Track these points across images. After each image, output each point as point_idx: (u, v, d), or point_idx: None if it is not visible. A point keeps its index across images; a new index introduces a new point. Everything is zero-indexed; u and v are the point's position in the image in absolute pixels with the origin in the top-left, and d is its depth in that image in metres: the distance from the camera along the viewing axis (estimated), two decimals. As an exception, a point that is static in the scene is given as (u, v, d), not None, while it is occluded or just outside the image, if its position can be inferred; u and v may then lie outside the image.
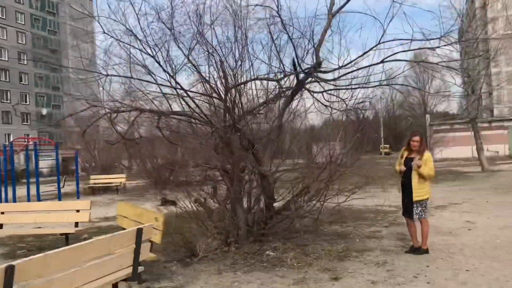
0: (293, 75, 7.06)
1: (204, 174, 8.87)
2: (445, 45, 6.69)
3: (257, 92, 8.20)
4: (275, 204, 8.07)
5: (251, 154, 6.94)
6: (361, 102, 7.37)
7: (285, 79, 7.53)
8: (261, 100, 8.15)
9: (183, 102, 7.79)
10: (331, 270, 6.01)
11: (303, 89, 7.15)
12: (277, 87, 7.55)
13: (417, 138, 6.84)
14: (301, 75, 6.90)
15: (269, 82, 7.49)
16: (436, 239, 7.86)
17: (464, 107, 39.60)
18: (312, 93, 7.28)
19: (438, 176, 22.84)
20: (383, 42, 6.48)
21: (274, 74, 7.53)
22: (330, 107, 8.02)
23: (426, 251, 6.78)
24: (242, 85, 7.46)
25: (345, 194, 8.09)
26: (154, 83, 7.80)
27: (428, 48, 6.56)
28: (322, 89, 7.16)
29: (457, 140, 41.53)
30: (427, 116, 47.13)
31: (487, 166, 24.80)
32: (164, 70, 7.44)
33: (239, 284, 5.64)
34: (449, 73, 25.19)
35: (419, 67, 57.41)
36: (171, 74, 7.12)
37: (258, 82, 8.01)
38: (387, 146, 61.32)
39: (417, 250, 6.81)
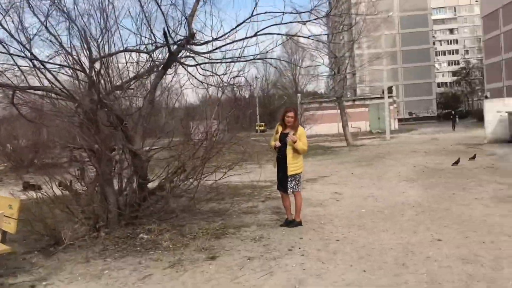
0: (165, 48, 6.65)
1: (69, 155, 8.12)
2: (315, 19, 6.82)
3: (127, 66, 7.62)
4: (150, 185, 7.68)
5: (120, 131, 6.43)
6: (236, 76, 7.24)
7: (157, 51, 7.09)
8: (132, 75, 7.61)
9: (41, 76, 6.94)
10: (208, 249, 5.86)
11: (176, 62, 6.79)
12: (149, 60, 7.08)
13: (291, 113, 6.92)
14: (174, 48, 6.53)
15: (140, 54, 7.00)
16: (308, 211, 8.15)
17: (331, 87, 42.20)
18: (185, 67, 6.95)
19: (308, 151, 24.16)
20: (256, 15, 6.39)
21: (144, 46, 7.04)
22: (205, 82, 7.79)
23: (300, 223, 6.98)
24: (109, 58, 6.85)
25: (222, 171, 8.01)
26: (6, 53, 6.82)
27: (299, 22, 6.61)
28: (196, 63, 6.85)
29: (325, 118, 44.21)
30: (298, 95, 49.45)
31: (351, 141, 26.78)
32: (16, 40, 6.52)
33: (109, 272, 5.22)
34: (317, 53, 26.63)
35: (291, 48, 59.35)
36: (24, 44, 6.25)
37: (128, 55, 7.45)
38: (262, 124, 63.21)
39: (291, 223, 6.98)
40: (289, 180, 6.88)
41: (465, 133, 33.02)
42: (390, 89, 41.16)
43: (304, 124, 45.12)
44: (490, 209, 7.70)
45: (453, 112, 40.02)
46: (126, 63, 7.53)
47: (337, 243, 5.93)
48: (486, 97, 37.02)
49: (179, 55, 6.63)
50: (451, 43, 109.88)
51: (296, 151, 6.86)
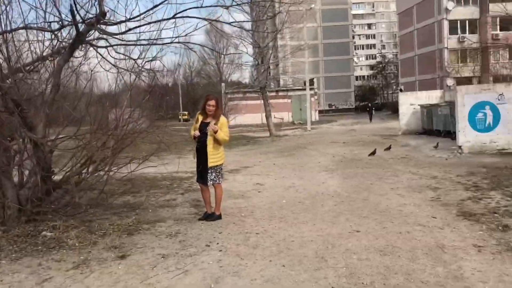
0: (73, 27, 6.02)
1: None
2: (237, 4, 6.51)
3: (29, 45, 6.85)
4: (57, 178, 7.02)
5: (18, 118, 5.74)
6: (151, 60, 6.75)
7: (65, 31, 6.43)
8: (35, 56, 6.87)
9: None
10: (118, 247, 5.39)
11: (85, 43, 6.18)
12: (54, 40, 6.40)
13: (212, 102, 6.58)
14: (82, 27, 5.92)
15: (44, 33, 6.29)
16: (229, 203, 7.90)
17: (254, 77, 42.30)
18: (95, 48, 6.35)
19: (232, 142, 24.01)
20: (174, -4, 5.95)
21: (48, 25, 6.34)
22: (118, 66, 7.21)
23: (219, 217, 6.70)
24: (7, 35, 6.10)
25: (137, 162, 7.52)
26: None
27: (220, 6, 6.27)
28: (108, 45, 6.28)
29: (249, 108, 44.33)
30: (222, 84, 49.04)
31: (274, 131, 26.97)
32: None
33: (1, 276, 4.61)
34: (241, 42, 26.42)
35: (215, 36, 58.62)
36: None
37: (30, 33, 6.69)
38: (186, 113, 62.11)
39: (211, 216, 6.67)
40: (209, 172, 6.56)
41: (381, 124, 34.54)
42: (311, 81, 42.06)
43: (228, 114, 45.04)
44: (405, 198, 7.89)
45: (370, 104, 41.80)
46: (29, 42, 6.77)
47: (257, 237, 5.72)
48: (401, 90, 38.92)
49: (89, 36, 6.03)
50: (369, 38, 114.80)
51: (217, 141, 6.55)
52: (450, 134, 17.85)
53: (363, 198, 8.07)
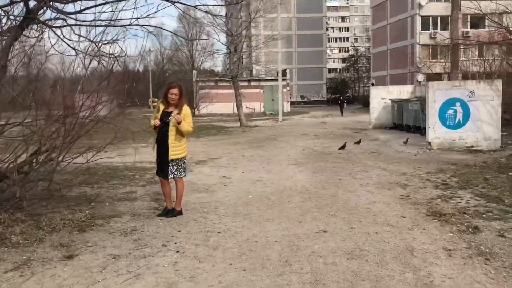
0: (21, 3, 5.48)
1: None
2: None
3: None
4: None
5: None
6: (111, 42, 6.26)
7: (17, 8, 5.88)
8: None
9: None
10: (66, 245, 4.96)
11: (37, 22, 5.65)
12: (3, 18, 5.84)
13: (175, 90, 6.17)
14: (32, 3, 5.40)
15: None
16: (192, 197, 7.53)
17: (227, 66, 41.73)
18: (50, 28, 5.83)
19: (201, 131, 23.56)
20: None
21: (-4, 0, 5.78)
22: (75, 48, 6.67)
23: (180, 213, 6.32)
24: None
25: (95, 151, 7.04)
26: None
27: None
28: (62, 25, 5.76)
29: (220, 97, 43.73)
30: (194, 72, 48.24)
31: (245, 122, 26.61)
32: None
33: None
34: (213, 30, 25.82)
35: (188, 23, 57.50)
36: None
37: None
38: (156, 100, 60.88)
39: (171, 212, 6.29)
40: (170, 165, 6.15)
41: (351, 118, 34.59)
42: (284, 72, 41.78)
43: (199, 102, 44.37)
44: (374, 196, 7.68)
45: (341, 97, 41.84)
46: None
47: (219, 236, 5.37)
48: (373, 84, 39.05)
49: (43, 15, 5.51)
50: (342, 31, 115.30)
51: (179, 132, 6.15)
52: (420, 130, 17.88)
53: (332, 194, 7.82)
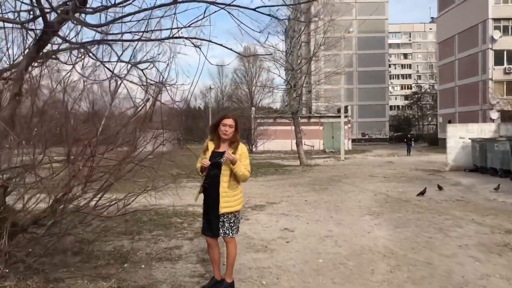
0: (39, 15, 4.37)
1: None
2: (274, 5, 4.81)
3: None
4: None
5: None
6: (147, 61, 5.02)
7: (38, 23, 4.80)
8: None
9: None
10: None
11: (57, 36, 4.53)
12: (24, 34, 4.76)
13: (230, 121, 4.79)
14: (53, 15, 4.28)
15: (5, 25, 4.66)
16: (247, 258, 6.01)
17: (286, 102, 40.68)
18: (76, 47, 4.69)
19: (259, 169, 22.20)
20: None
21: (17, 15, 4.73)
22: (117, 75, 5.53)
23: (231, 286, 4.80)
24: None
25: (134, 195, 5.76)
26: None
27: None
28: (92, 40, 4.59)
29: (278, 133, 42.61)
30: (253, 108, 47.60)
31: (305, 160, 25.01)
32: None
33: None
34: (274, 64, 24.84)
35: (248, 61, 57.77)
36: None
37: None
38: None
39: (220, 284, 4.79)
40: (221, 220, 4.72)
41: (420, 157, 32.07)
42: (345, 109, 40.08)
43: (257, 139, 43.40)
44: (483, 265, 5.84)
45: (408, 136, 39.19)
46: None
47: (283, 331, 3.80)
48: (449, 122, 36.37)
49: (61, 26, 4.36)
50: (404, 68, 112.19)
51: (234, 178, 4.73)
52: (510, 174, 15.51)
53: (426, 260, 6.05)
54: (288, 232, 7.74)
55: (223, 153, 4.71)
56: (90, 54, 5.25)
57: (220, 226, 4.72)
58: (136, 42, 4.42)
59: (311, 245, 6.87)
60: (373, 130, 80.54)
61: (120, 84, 5.77)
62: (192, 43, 4.21)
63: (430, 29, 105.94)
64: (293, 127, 26.30)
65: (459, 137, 19.67)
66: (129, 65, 4.87)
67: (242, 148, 4.85)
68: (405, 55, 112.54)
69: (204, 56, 4.73)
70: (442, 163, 22.63)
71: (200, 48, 4.22)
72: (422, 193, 12.36)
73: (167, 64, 5.59)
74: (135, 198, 5.58)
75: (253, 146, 43.38)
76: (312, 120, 44.89)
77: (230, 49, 4.37)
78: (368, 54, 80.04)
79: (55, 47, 4.77)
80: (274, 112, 47.95)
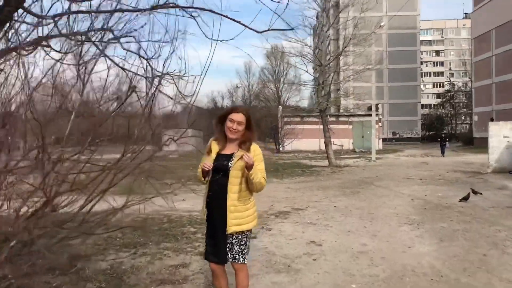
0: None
1: None
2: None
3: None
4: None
5: None
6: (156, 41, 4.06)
7: None
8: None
9: None
10: None
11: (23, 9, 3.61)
12: None
13: (239, 116, 3.79)
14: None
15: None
16: (266, 282, 5.01)
17: (314, 102, 39.49)
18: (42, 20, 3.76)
19: (285, 170, 21.15)
20: None
21: None
22: (112, 60, 4.63)
23: (243, 323, 3.82)
24: None
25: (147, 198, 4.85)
26: None
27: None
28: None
29: (306, 133, 41.44)
30: (280, 107, 46.55)
31: (334, 160, 23.81)
32: None
33: None
34: (301, 60, 23.76)
35: (276, 60, 57.00)
36: None
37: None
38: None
39: (228, 321, 3.81)
40: (229, 242, 3.74)
41: (456, 158, 30.37)
42: (376, 107, 38.57)
43: (284, 138, 42.30)
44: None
45: (442, 135, 37.30)
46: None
47: None
48: (492, 120, 34.38)
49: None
50: (436, 65, 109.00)
51: (246, 187, 3.74)
52: None
53: (485, 287, 4.93)
54: (315, 247, 6.69)
55: (230, 156, 3.75)
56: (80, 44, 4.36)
57: (228, 249, 3.74)
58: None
59: (343, 263, 5.81)
60: (404, 129, 78.35)
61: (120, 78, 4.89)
62: (190, 15, 3.23)
63: (464, 25, 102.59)
64: (321, 126, 25.11)
65: (503, 136, 18.12)
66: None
67: (256, 149, 3.85)
68: (437, 52, 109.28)
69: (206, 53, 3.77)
70: (482, 164, 21.08)
71: (194, 18, 3.24)
72: (465, 199, 11.09)
73: (172, 49, 4.66)
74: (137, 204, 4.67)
75: (280, 146, 42.35)
76: (341, 118, 43.51)
77: (239, 22, 3.36)
78: (399, 51, 77.83)
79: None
80: (301, 110, 46.73)
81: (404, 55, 78.16)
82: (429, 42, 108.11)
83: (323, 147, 27.59)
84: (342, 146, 42.49)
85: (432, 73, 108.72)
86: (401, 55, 77.84)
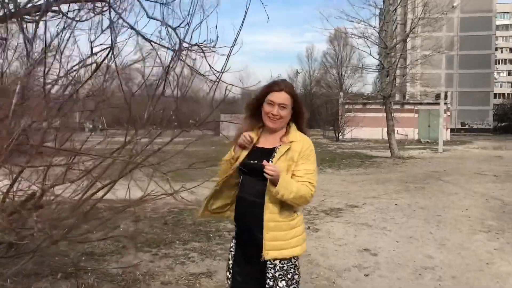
0: None
1: None
2: None
3: None
4: None
5: None
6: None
7: None
8: None
9: None
10: None
11: None
12: None
13: (281, 96, 2.68)
14: None
15: None
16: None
17: (378, 88, 37.49)
18: None
19: (343, 160, 19.87)
20: None
21: None
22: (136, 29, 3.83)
23: None
24: None
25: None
26: None
27: None
28: None
29: (367, 121, 39.46)
30: (340, 93, 44.75)
31: (397, 151, 22.13)
32: None
33: None
34: (365, 42, 22.19)
35: (339, 44, 55.33)
36: None
37: None
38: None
39: None
40: (268, 273, 2.63)
41: (535, 152, 27.55)
42: (445, 95, 36.00)
43: (344, 126, 40.60)
44: None
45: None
46: None
47: None
48: None
49: None
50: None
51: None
52: None
53: None
54: (369, 256, 5.59)
55: (270, 151, 2.68)
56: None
57: (265, 281, 2.64)
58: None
59: (402, 283, 4.68)
60: (474, 120, 73.55)
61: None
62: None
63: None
64: (384, 114, 23.42)
65: None
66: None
67: (304, 142, 2.71)
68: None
69: None
70: None
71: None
72: (553, 202, 9.46)
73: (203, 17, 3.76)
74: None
75: (340, 134, 40.75)
76: (406, 106, 41.08)
77: None
78: (471, 36, 72.74)
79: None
80: (364, 97, 44.64)
81: (477, 40, 72.98)
82: (506, 27, 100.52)
83: (385, 136, 25.93)
84: (406, 135, 40.16)
85: (508, 60, 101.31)
86: (474, 40, 72.73)
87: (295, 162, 2.63)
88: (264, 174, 2.51)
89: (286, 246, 2.63)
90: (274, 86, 2.71)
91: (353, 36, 22.67)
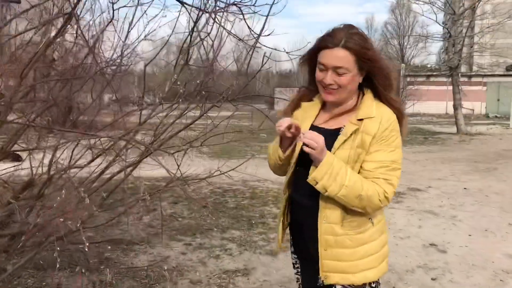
0: None
1: None
2: None
3: None
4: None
5: None
6: None
7: None
8: None
9: None
10: None
11: None
12: None
13: (336, 55, 1.80)
14: None
15: None
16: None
17: (442, 59, 35.10)
18: None
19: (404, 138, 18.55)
20: None
21: None
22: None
23: None
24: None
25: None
26: None
27: None
28: None
29: (431, 94, 37.25)
30: (402, 65, 42.44)
31: (464, 127, 20.48)
32: None
33: None
34: (431, 7, 20.52)
35: (401, 14, 52.36)
36: None
37: None
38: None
39: None
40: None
41: None
42: (517, 66, 33.17)
43: (406, 100, 38.57)
44: None
45: None
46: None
47: None
48: None
49: None
50: None
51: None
52: None
53: None
54: (436, 254, 4.75)
55: (335, 132, 1.89)
56: None
57: None
58: None
59: (479, 291, 3.86)
60: (550, 93, 68.19)
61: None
62: None
63: None
64: (449, 87, 21.73)
65: None
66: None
67: (384, 118, 1.85)
68: None
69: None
70: None
71: None
72: None
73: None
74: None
75: (401, 108, 38.82)
76: (474, 79, 38.36)
77: None
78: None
79: None
80: (427, 69, 42.12)
81: (557, 5, 66.93)
82: None
83: (450, 111, 24.16)
84: (473, 110, 37.60)
85: None
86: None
87: (366, 149, 1.83)
88: (303, 147, 1.78)
89: (352, 270, 1.89)
90: (327, 39, 1.84)
91: (417, 2, 20.93)
